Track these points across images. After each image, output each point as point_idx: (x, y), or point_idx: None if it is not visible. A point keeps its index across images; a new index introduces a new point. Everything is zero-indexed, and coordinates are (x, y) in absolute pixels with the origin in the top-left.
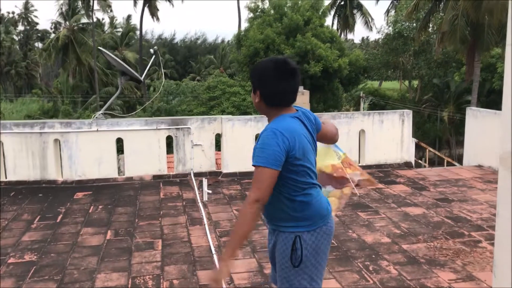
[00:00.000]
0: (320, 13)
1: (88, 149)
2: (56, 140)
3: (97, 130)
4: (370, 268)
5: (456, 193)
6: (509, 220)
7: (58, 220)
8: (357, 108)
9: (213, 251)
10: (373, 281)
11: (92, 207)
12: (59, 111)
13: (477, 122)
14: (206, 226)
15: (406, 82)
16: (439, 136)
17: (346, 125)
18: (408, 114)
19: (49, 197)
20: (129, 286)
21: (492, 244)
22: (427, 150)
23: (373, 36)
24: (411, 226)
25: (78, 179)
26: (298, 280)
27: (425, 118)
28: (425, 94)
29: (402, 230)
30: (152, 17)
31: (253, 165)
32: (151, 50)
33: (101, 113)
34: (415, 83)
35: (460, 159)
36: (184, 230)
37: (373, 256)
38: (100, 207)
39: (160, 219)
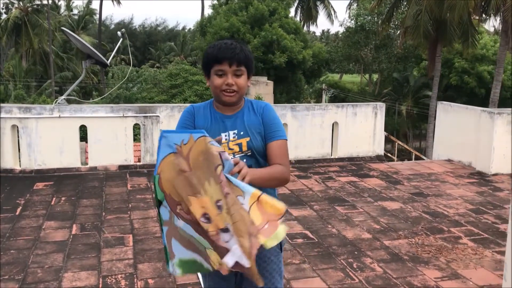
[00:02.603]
0: (284, 3)
1: (49, 137)
2: (13, 126)
3: (59, 117)
4: (354, 265)
5: (430, 188)
6: None
7: (17, 213)
8: (318, 100)
9: None
10: (358, 280)
11: (54, 198)
12: (10, 95)
13: (448, 116)
14: None
15: (367, 76)
16: (397, 129)
17: (320, 116)
18: (381, 107)
19: (6, 187)
20: (100, 286)
21: (473, 241)
22: (396, 143)
23: (334, 29)
24: (390, 221)
25: (38, 168)
26: (281, 265)
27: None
28: (385, 87)
29: (381, 225)
30: (113, 1)
31: (281, 139)
32: (119, 33)
33: (64, 98)
34: (375, 76)
35: (418, 152)
36: (156, 224)
37: (356, 252)
38: (63, 198)
39: (129, 212)
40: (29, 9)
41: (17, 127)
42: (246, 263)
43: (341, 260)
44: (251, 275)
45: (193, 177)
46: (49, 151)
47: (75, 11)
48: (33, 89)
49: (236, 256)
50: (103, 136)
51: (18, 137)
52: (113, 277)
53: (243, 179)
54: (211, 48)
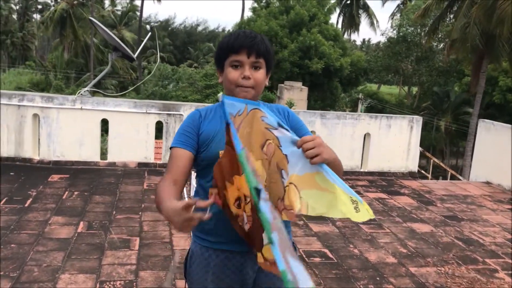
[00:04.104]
0: (325, 9)
1: (70, 128)
2: (35, 115)
3: (81, 108)
4: None
5: (465, 211)
6: None
7: (26, 205)
8: (353, 110)
9: None
10: None
11: (66, 192)
12: (51, 85)
13: (490, 135)
14: None
15: (406, 88)
16: (434, 146)
17: (351, 126)
18: (418, 121)
19: (21, 177)
20: None
21: (511, 276)
22: (432, 160)
23: (375, 39)
24: (419, 246)
25: (56, 159)
26: None
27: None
28: (424, 101)
29: (408, 249)
30: None
31: None
32: (147, 27)
33: (87, 90)
34: (415, 89)
35: (454, 170)
36: (166, 228)
37: (378, 278)
38: (76, 193)
39: (140, 213)
40: (75, 2)
41: (39, 116)
42: None
43: (361, 286)
44: None
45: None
46: (68, 143)
47: (119, 7)
48: (73, 81)
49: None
50: (124, 131)
51: (39, 126)
52: (111, 283)
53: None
54: (227, 37)
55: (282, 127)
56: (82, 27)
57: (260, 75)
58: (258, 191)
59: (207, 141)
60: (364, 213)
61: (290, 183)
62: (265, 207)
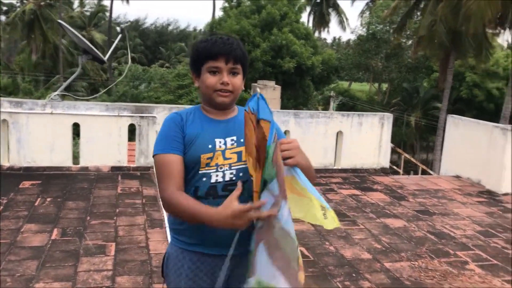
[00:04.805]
0: (296, 8)
1: (40, 133)
2: (4, 121)
3: (52, 113)
4: None
5: (436, 205)
6: None
7: None
8: (326, 108)
9: None
10: None
11: (39, 199)
12: (19, 88)
13: (458, 130)
14: (168, 229)
15: (376, 85)
16: (404, 141)
17: (324, 125)
18: (388, 118)
19: None
20: None
21: (481, 267)
22: (403, 156)
23: (345, 36)
24: (392, 241)
25: (27, 165)
26: None
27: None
28: (394, 97)
29: (383, 245)
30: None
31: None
32: (118, 29)
33: (57, 94)
34: (385, 86)
35: (424, 165)
36: (142, 233)
37: (354, 274)
38: (49, 199)
39: (115, 218)
40: (42, 3)
41: (7, 121)
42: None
43: (337, 283)
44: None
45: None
46: (39, 148)
47: (88, 8)
48: (42, 84)
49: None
50: (97, 135)
51: (8, 132)
52: None
53: (287, 159)
54: (203, 43)
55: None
56: (50, 28)
57: (238, 81)
58: (265, 182)
59: (189, 143)
60: (331, 221)
61: None
62: (265, 196)
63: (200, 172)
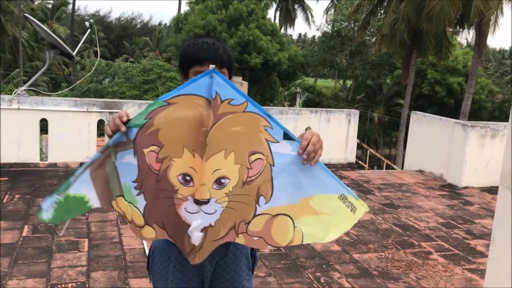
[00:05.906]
0: (263, 4)
1: (7, 129)
2: None
3: (18, 108)
4: (322, 280)
5: (401, 199)
6: (509, 248)
7: None
8: (292, 103)
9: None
10: None
11: (7, 196)
12: None
13: (421, 126)
14: None
15: (341, 81)
16: (368, 136)
17: (293, 121)
18: (355, 114)
19: None
20: None
21: (443, 257)
22: (368, 151)
23: (310, 33)
24: (360, 233)
25: None
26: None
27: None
28: (358, 94)
29: (351, 237)
30: None
31: None
32: (87, 23)
33: (24, 89)
34: (349, 82)
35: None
36: (115, 228)
37: (324, 266)
38: (17, 196)
39: (86, 214)
40: None
41: None
42: (196, 239)
43: (309, 274)
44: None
45: (208, 136)
46: (5, 144)
47: (50, 0)
48: (1, 78)
49: (194, 229)
50: (65, 131)
51: None
52: (63, 285)
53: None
54: (190, 47)
55: (290, 138)
56: (9, 20)
57: None
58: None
59: None
60: (360, 209)
61: (277, 213)
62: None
63: None
